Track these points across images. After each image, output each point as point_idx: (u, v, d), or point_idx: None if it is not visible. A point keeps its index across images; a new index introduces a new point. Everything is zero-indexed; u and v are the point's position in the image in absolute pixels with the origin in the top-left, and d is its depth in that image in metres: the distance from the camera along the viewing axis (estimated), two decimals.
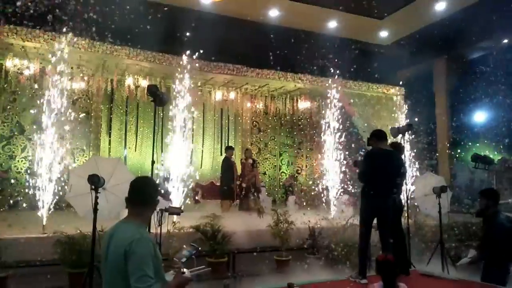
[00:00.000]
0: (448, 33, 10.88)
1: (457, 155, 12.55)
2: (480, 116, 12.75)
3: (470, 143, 12.43)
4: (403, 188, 5.29)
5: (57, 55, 6.78)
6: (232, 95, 11.07)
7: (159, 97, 4.69)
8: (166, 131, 7.81)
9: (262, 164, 12.51)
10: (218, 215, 6.67)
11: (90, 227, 4.42)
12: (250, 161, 9.86)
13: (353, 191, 9.53)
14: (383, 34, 11.77)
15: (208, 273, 2.59)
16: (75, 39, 7.42)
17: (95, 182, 4.25)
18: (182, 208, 5.88)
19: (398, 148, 5.39)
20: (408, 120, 10.34)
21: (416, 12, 10.41)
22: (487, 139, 12.08)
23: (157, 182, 6.06)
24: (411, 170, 9.52)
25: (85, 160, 9.60)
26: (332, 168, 9.17)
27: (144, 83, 9.26)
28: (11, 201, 8.40)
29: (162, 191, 6.72)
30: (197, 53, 8.14)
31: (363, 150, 9.02)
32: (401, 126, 6.22)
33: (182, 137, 7.51)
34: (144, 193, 2.42)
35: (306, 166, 12.99)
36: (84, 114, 9.58)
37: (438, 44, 11.38)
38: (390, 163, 4.70)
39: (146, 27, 8.08)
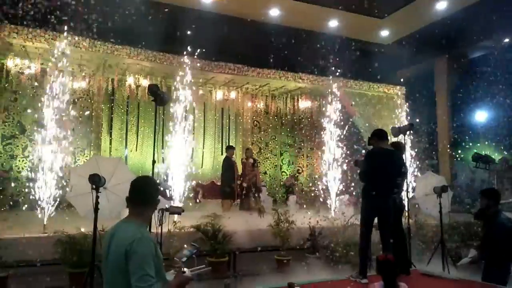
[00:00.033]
0: (449, 33, 10.87)
1: (458, 155, 12.54)
2: (481, 116, 12.74)
3: (471, 143, 12.43)
4: (404, 187, 5.29)
5: (58, 54, 6.79)
6: (233, 94, 11.08)
7: (160, 97, 4.70)
8: (166, 131, 7.83)
9: (263, 163, 12.51)
10: (219, 214, 6.69)
11: (91, 227, 4.42)
12: (251, 160, 9.86)
13: (354, 191, 9.53)
14: (384, 33, 11.76)
15: (209, 273, 2.60)
16: (76, 39, 7.44)
17: (96, 181, 4.25)
18: (182, 208, 5.88)
19: (399, 148, 5.38)
20: (409, 119, 10.34)
21: (417, 11, 10.39)
22: (488, 138, 12.08)
23: (158, 181, 6.05)
24: (412, 169, 9.51)
25: (86, 159, 9.61)
26: (332, 167, 9.17)
27: (145, 82, 9.28)
28: (12, 201, 8.40)
29: (162, 188, 6.71)
30: (197, 53, 8.15)
31: (363, 149, 9.03)
32: (402, 125, 6.21)
33: (183, 137, 7.52)
34: (145, 192, 2.42)
35: (307, 166, 12.99)
36: (85, 113, 9.60)
37: (439, 44, 11.36)
38: (391, 163, 4.69)
39: (147, 27, 8.09)
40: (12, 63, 8.23)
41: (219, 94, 10.85)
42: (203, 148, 11.45)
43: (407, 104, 10.87)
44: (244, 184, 9.45)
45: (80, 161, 9.80)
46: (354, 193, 9.56)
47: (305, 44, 10.21)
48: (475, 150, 11.20)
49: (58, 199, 6.31)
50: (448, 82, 12.79)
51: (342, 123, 9.53)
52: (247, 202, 9.40)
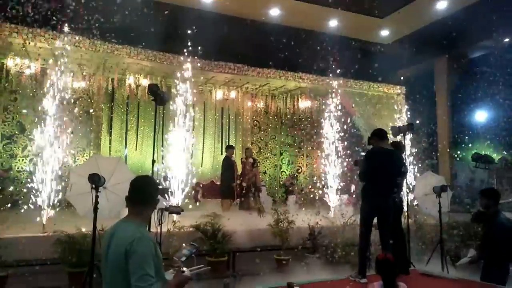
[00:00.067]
0: (449, 32, 10.86)
1: (458, 155, 12.54)
2: (480, 116, 12.75)
3: (470, 143, 12.44)
4: (404, 187, 5.29)
5: (58, 54, 6.78)
6: (232, 94, 11.08)
7: (159, 96, 4.70)
8: (166, 130, 7.83)
9: (263, 163, 12.51)
10: (219, 214, 6.69)
11: (90, 226, 4.43)
12: (251, 160, 9.86)
13: (354, 191, 9.54)
14: (384, 33, 11.76)
15: (208, 272, 2.60)
16: (76, 38, 7.43)
17: (96, 181, 4.25)
18: (182, 207, 5.88)
19: (398, 147, 5.39)
20: (409, 118, 10.34)
21: (417, 11, 10.39)
22: (488, 138, 12.08)
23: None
24: (412, 169, 9.51)
25: (86, 159, 9.61)
26: (332, 167, 9.18)
27: (145, 82, 9.27)
28: (12, 200, 8.40)
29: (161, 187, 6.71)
30: (198, 52, 8.14)
31: (363, 150, 9.02)
32: (402, 125, 6.21)
33: (183, 136, 7.52)
34: (144, 192, 2.43)
35: (307, 166, 12.99)
36: (85, 113, 9.60)
37: (439, 43, 11.36)
38: (391, 163, 4.69)
39: (147, 26, 8.09)
40: (12, 62, 8.21)
41: (219, 94, 10.85)
42: (203, 147, 11.45)
43: (407, 103, 10.87)
44: (244, 184, 9.45)
45: (80, 161, 9.79)
46: (354, 193, 9.57)
47: (305, 44, 10.21)
48: (475, 150, 11.23)
49: (58, 199, 6.31)
50: (448, 82, 12.79)
51: (342, 122, 9.53)
52: (246, 201, 9.40)
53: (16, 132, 9.35)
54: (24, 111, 8.70)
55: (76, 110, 7.62)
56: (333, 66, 9.87)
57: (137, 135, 10.71)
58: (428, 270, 4.95)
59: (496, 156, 11.32)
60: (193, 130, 8.25)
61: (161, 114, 9.11)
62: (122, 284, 2.16)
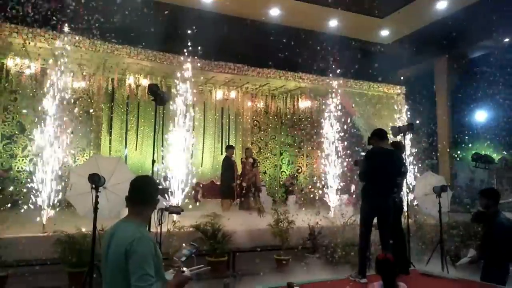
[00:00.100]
0: (449, 32, 10.87)
1: (458, 155, 12.54)
2: (480, 116, 12.75)
3: (470, 143, 12.44)
4: (404, 187, 5.29)
5: (58, 54, 6.78)
6: (232, 94, 11.07)
7: (159, 96, 4.70)
8: (166, 130, 7.83)
9: (263, 163, 12.51)
10: (219, 214, 6.69)
11: (90, 226, 4.43)
12: (251, 160, 9.86)
13: (354, 191, 9.53)
14: (384, 33, 11.76)
15: (208, 272, 2.60)
16: (76, 38, 7.43)
17: (96, 181, 4.25)
18: (182, 207, 5.88)
19: (398, 147, 5.39)
20: (409, 118, 10.34)
21: (417, 11, 10.39)
22: (488, 138, 12.09)
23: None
24: (412, 169, 9.51)
25: (86, 159, 9.61)
26: (332, 167, 9.17)
27: (145, 82, 9.27)
28: (12, 200, 8.40)
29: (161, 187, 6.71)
30: (198, 52, 8.14)
31: (363, 150, 9.02)
32: (402, 125, 6.21)
33: (183, 136, 7.52)
34: (144, 192, 2.43)
35: (307, 166, 12.99)
36: (85, 113, 9.60)
37: (439, 43, 11.37)
38: (391, 163, 4.69)
39: (147, 26, 8.08)
40: (12, 62, 8.21)
41: (219, 94, 10.85)
42: (203, 147, 11.45)
43: (407, 103, 10.87)
44: (244, 184, 9.45)
45: (80, 161, 9.79)
46: (354, 193, 9.57)
47: (305, 44, 10.20)
48: (475, 150, 11.23)
49: (58, 199, 6.31)
50: (448, 82, 12.79)
51: (342, 122, 9.53)
52: (246, 201, 9.40)
53: (16, 132, 9.35)
54: (24, 111, 8.72)
55: (76, 110, 7.63)
56: (333, 66, 9.87)
57: (137, 135, 10.71)
58: (428, 270, 4.95)
59: (496, 156, 11.32)
60: (193, 130, 8.25)
61: (161, 114, 9.11)
62: (122, 284, 2.16)
